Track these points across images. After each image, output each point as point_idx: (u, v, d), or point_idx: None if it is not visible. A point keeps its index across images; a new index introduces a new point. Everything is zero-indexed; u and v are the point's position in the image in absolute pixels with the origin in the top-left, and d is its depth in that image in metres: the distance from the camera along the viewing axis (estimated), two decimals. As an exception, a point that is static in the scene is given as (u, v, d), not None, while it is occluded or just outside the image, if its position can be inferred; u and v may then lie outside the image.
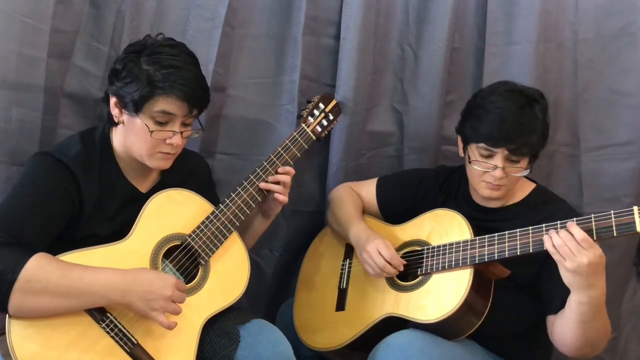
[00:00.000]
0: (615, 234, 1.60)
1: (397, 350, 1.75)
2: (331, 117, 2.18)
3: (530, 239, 1.73)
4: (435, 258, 1.89)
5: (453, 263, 1.84)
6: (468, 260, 1.82)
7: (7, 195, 1.68)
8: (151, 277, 1.64)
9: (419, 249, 1.95)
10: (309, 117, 2.13)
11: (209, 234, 1.80)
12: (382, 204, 2.16)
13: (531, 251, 1.72)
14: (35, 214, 1.64)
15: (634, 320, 2.45)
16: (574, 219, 1.66)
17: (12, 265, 1.52)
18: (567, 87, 2.31)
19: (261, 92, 2.27)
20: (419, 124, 2.36)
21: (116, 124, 1.76)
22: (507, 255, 1.76)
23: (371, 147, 2.39)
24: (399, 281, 1.94)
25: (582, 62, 2.28)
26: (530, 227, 1.74)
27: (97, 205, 1.73)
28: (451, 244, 1.87)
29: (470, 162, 1.89)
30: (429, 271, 1.89)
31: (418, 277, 1.91)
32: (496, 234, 1.80)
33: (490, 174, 1.85)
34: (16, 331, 1.54)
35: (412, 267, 1.94)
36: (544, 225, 1.71)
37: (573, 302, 1.67)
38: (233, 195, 1.87)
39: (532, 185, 1.98)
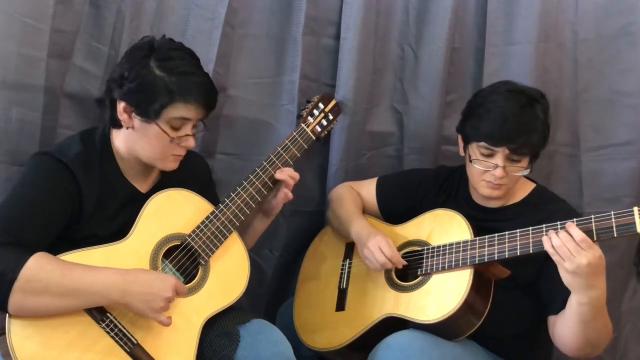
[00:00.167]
0: (615, 235, 1.60)
1: (397, 350, 1.75)
2: (331, 117, 2.18)
3: (530, 240, 1.73)
4: (435, 258, 1.89)
5: (453, 263, 1.84)
6: (468, 260, 1.82)
7: (7, 195, 1.68)
8: (151, 278, 1.64)
9: (419, 249, 1.95)
10: (309, 117, 2.13)
11: (208, 234, 1.80)
12: (382, 204, 2.16)
13: (531, 252, 1.72)
14: (35, 214, 1.64)
15: (634, 320, 2.45)
16: (574, 219, 1.66)
17: (12, 265, 1.52)
18: (567, 87, 2.31)
19: (261, 92, 2.27)
20: (419, 124, 2.36)
21: (120, 127, 1.75)
22: (507, 256, 1.76)
23: (371, 147, 2.39)
24: (399, 281, 1.94)
25: (582, 62, 2.28)
26: (530, 228, 1.74)
27: (97, 205, 1.73)
28: (451, 244, 1.87)
29: (470, 161, 1.89)
30: (429, 271, 1.89)
31: (418, 277, 1.91)
32: (496, 235, 1.80)
33: (491, 173, 1.85)
34: (16, 331, 1.54)
35: (412, 267, 1.94)
36: (544, 225, 1.71)
37: (573, 303, 1.67)
38: (233, 195, 1.87)
39: (532, 185, 1.98)
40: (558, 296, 1.73)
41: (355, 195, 2.18)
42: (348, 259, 2.13)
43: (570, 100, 2.31)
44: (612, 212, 1.61)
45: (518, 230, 1.76)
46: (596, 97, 2.29)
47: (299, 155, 2.02)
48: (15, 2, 1.85)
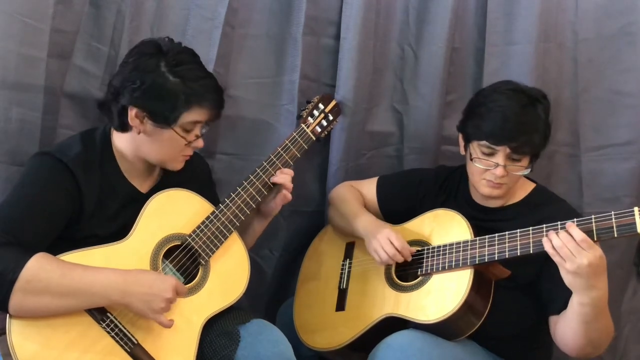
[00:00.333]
0: (615, 235, 1.60)
1: (397, 350, 1.75)
2: (330, 118, 2.18)
3: (531, 240, 1.73)
4: (435, 258, 1.89)
5: (453, 263, 1.84)
6: (468, 260, 1.82)
7: (7, 195, 1.68)
8: (151, 278, 1.64)
9: (419, 249, 1.95)
10: (309, 118, 2.13)
11: (209, 234, 1.80)
12: (382, 204, 2.16)
13: (531, 252, 1.72)
14: (35, 213, 1.64)
15: (634, 320, 2.45)
16: (574, 219, 1.66)
17: (13, 265, 1.52)
18: (567, 87, 2.31)
19: (261, 92, 2.27)
20: (419, 124, 2.37)
21: (126, 131, 1.74)
22: (507, 256, 1.76)
23: (371, 147, 2.39)
24: (399, 281, 1.94)
25: (582, 62, 2.29)
26: (530, 228, 1.74)
27: (97, 205, 1.73)
28: (451, 244, 1.87)
29: (471, 160, 1.89)
30: (429, 271, 1.89)
31: (418, 277, 1.91)
32: (496, 235, 1.80)
33: (491, 172, 1.85)
34: (17, 331, 1.54)
35: (412, 267, 1.94)
36: (544, 225, 1.71)
37: (575, 303, 1.67)
38: (233, 196, 1.87)
39: (532, 185, 1.98)
40: (559, 296, 1.73)
41: (357, 193, 2.18)
42: (348, 259, 2.13)
43: (570, 100, 2.31)
44: (613, 212, 1.61)
45: (518, 231, 1.76)
46: (596, 97, 2.29)
47: (299, 155, 2.03)
48: (15, 2, 1.85)
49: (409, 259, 1.93)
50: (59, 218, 1.68)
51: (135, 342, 1.63)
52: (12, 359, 1.52)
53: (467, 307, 1.78)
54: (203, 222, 1.81)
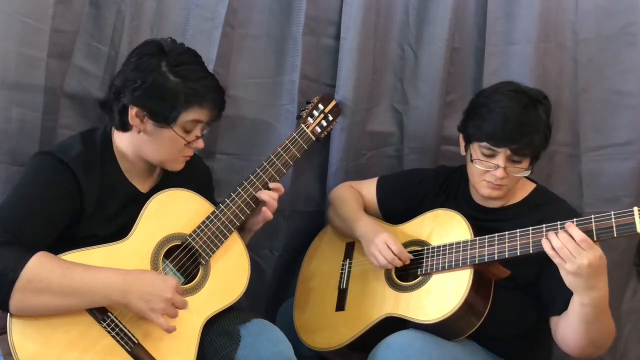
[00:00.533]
0: (615, 235, 1.60)
1: (397, 350, 1.75)
2: (330, 118, 2.18)
3: (530, 240, 1.73)
4: (435, 258, 1.89)
5: (453, 263, 1.84)
6: (468, 260, 1.82)
7: (8, 195, 1.68)
8: (152, 278, 1.64)
9: (419, 249, 1.95)
10: (309, 118, 2.13)
11: (209, 233, 1.80)
12: (382, 204, 2.16)
13: (531, 252, 1.72)
14: (36, 213, 1.64)
15: (634, 320, 2.45)
16: (574, 219, 1.66)
17: (14, 265, 1.52)
18: (567, 87, 2.31)
19: (261, 92, 2.27)
20: (419, 124, 2.37)
21: (127, 130, 1.75)
22: (507, 256, 1.76)
23: (371, 147, 2.39)
24: (399, 281, 1.94)
25: (582, 62, 2.29)
26: (530, 228, 1.74)
27: (97, 205, 1.73)
28: (451, 244, 1.87)
29: (472, 161, 1.89)
30: (429, 271, 1.89)
31: (418, 277, 1.91)
32: (496, 235, 1.80)
33: (492, 173, 1.85)
34: (17, 330, 1.54)
35: (412, 267, 1.94)
36: (544, 225, 1.71)
37: (576, 304, 1.67)
38: (233, 196, 1.87)
39: (533, 186, 1.98)
40: (559, 296, 1.73)
41: (357, 194, 2.18)
42: (348, 259, 2.13)
43: (570, 100, 2.31)
44: (612, 212, 1.61)
45: (518, 231, 1.76)
46: (596, 97, 2.30)
47: (298, 155, 2.03)
48: (15, 2, 1.85)
49: (407, 262, 1.93)
50: (59, 218, 1.68)
51: (136, 341, 1.63)
52: (13, 359, 1.52)
53: (467, 307, 1.78)
54: (203, 222, 1.81)
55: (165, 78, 1.68)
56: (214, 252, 1.80)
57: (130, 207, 1.77)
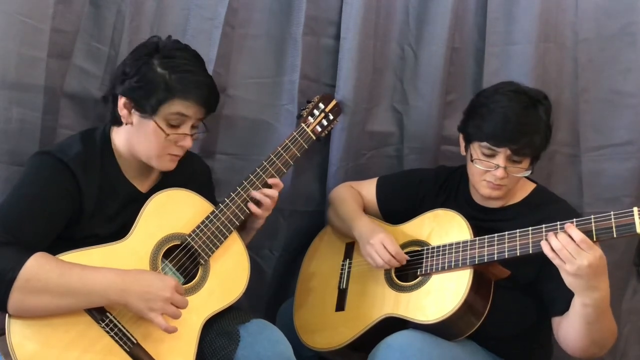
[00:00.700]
0: (615, 235, 1.60)
1: (397, 350, 1.75)
2: (331, 117, 2.18)
3: (530, 240, 1.73)
4: (435, 258, 1.89)
5: (453, 263, 1.84)
6: (468, 260, 1.82)
7: (8, 195, 1.68)
8: (150, 278, 1.64)
9: (419, 249, 1.95)
10: (309, 117, 2.13)
11: (208, 233, 1.80)
12: (382, 204, 2.16)
13: (531, 252, 1.72)
14: (35, 213, 1.64)
15: (634, 320, 2.45)
16: (574, 220, 1.66)
17: (12, 265, 1.52)
18: (567, 87, 2.31)
19: (261, 92, 2.27)
20: (419, 124, 2.37)
21: (121, 124, 1.76)
22: (506, 256, 1.76)
23: (371, 147, 2.39)
24: (398, 281, 1.94)
25: (582, 62, 2.29)
26: (530, 228, 1.74)
27: (97, 205, 1.73)
28: (451, 245, 1.87)
29: (472, 161, 1.89)
30: (428, 271, 1.89)
31: (418, 277, 1.91)
32: (496, 235, 1.80)
33: (492, 173, 1.85)
34: (16, 331, 1.54)
35: (412, 267, 1.94)
36: (544, 226, 1.71)
37: (577, 305, 1.67)
38: (233, 195, 1.87)
39: (533, 186, 1.98)
40: (561, 297, 1.73)
41: (356, 195, 2.18)
42: (348, 259, 2.13)
43: (570, 100, 2.31)
44: (612, 213, 1.61)
45: (518, 231, 1.76)
46: (596, 97, 2.29)
47: (299, 155, 2.02)
48: (15, 2, 1.86)
49: (404, 262, 1.93)
50: (58, 218, 1.68)
51: (135, 341, 1.63)
52: (11, 359, 1.52)
53: (467, 307, 1.78)
54: (203, 222, 1.81)
55: (152, 69, 1.69)
56: (213, 252, 1.80)
57: (129, 207, 1.77)
